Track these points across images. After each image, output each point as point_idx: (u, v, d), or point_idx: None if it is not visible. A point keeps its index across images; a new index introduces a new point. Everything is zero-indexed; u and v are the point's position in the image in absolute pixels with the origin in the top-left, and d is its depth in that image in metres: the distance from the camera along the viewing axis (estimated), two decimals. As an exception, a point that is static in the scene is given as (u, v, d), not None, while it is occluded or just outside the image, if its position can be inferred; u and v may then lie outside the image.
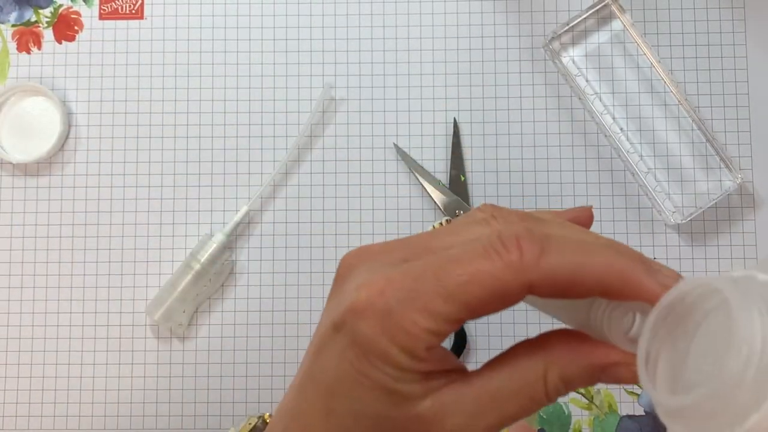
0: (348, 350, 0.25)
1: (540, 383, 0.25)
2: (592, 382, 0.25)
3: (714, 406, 0.20)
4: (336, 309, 0.26)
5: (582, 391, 0.54)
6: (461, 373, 0.26)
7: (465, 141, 0.56)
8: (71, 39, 0.58)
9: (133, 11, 0.58)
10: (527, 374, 0.25)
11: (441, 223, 0.31)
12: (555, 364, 0.25)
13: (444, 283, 0.24)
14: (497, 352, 0.27)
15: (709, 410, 0.20)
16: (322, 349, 0.26)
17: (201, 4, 0.58)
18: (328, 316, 0.26)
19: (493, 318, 0.54)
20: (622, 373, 0.25)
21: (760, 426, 0.19)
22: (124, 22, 0.58)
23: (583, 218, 0.29)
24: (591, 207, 0.30)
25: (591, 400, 0.53)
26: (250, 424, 0.35)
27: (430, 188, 0.55)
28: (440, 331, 0.24)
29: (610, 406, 0.53)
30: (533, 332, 0.52)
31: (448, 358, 0.26)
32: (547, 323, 0.29)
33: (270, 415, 0.35)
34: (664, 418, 0.22)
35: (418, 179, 0.55)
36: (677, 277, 0.24)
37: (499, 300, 0.24)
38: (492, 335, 0.54)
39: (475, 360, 0.53)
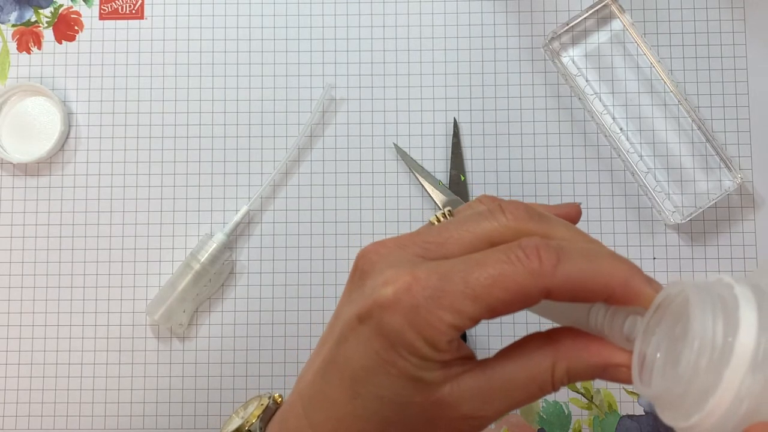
0: (374, 340, 0.27)
1: (548, 374, 0.27)
2: (594, 378, 0.28)
3: (680, 392, 0.23)
4: (360, 302, 0.28)
5: (582, 390, 0.54)
6: (474, 360, 0.28)
7: (465, 141, 0.56)
8: (71, 39, 0.58)
9: (133, 11, 0.58)
10: (537, 366, 0.27)
11: (444, 214, 0.32)
12: (563, 358, 0.27)
13: (471, 284, 0.26)
14: (496, 352, 0.28)
15: (678, 396, 0.23)
16: (346, 338, 0.28)
17: (201, 4, 0.58)
18: (350, 308, 0.28)
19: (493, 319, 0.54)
20: (623, 374, 0.27)
21: (718, 407, 0.22)
22: (124, 22, 0.58)
23: (572, 214, 0.32)
24: (579, 204, 0.32)
25: (591, 399, 0.53)
26: (262, 404, 0.36)
27: (430, 188, 0.55)
28: (463, 327, 0.26)
29: (610, 405, 0.53)
30: (532, 324, 0.53)
31: (461, 347, 0.28)
32: (547, 323, 0.30)
33: (280, 395, 0.36)
34: (657, 411, 0.25)
35: (418, 179, 0.55)
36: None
37: (519, 302, 0.26)
38: (492, 335, 0.54)
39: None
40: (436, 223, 0.31)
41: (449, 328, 0.26)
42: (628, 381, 0.27)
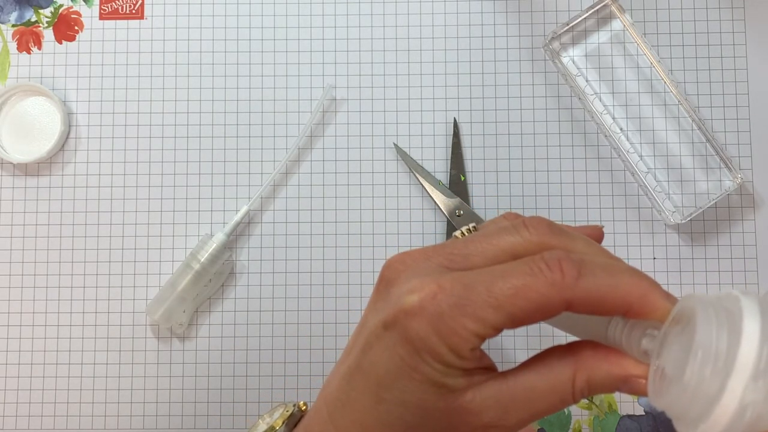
0: (399, 347, 0.28)
1: (569, 385, 0.28)
2: (613, 390, 0.28)
3: (687, 402, 0.24)
4: (386, 310, 0.28)
5: (582, 391, 0.54)
6: (495, 370, 0.29)
7: (465, 141, 0.56)
8: (71, 39, 0.58)
9: (133, 11, 0.58)
10: (558, 376, 0.28)
11: (468, 230, 0.33)
12: (583, 369, 0.28)
13: (495, 294, 0.27)
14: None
15: (686, 406, 0.24)
16: (372, 345, 0.29)
17: (201, 4, 0.58)
18: (375, 316, 0.29)
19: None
20: (642, 386, 0.28)
21: (723, 415, 0.23)
22: (124, 22, 0.58)
23: (594, 236, 0.32)
24: (602, 227, 0.33)
25: (591, 399, 0.53)
26: (287, 411, 0.36)
27: (430, 188, 0.55)
28: (485, 336, 0.27)
29: (610, 406, 0.53)
30: (532, 336, 0.53)
31: (483, 357, 0.29)
32: (546, 328, 0.30)
33: (305, 403, 0.37)
34: (674, 424, 0.26)
35: (418, 179, 0.55)
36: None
37: (541, 313, 0.27)
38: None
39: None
40: (460, 237, 0.32)
41: (472, 335, 0.27)
42: (646, 393, 0.27)
